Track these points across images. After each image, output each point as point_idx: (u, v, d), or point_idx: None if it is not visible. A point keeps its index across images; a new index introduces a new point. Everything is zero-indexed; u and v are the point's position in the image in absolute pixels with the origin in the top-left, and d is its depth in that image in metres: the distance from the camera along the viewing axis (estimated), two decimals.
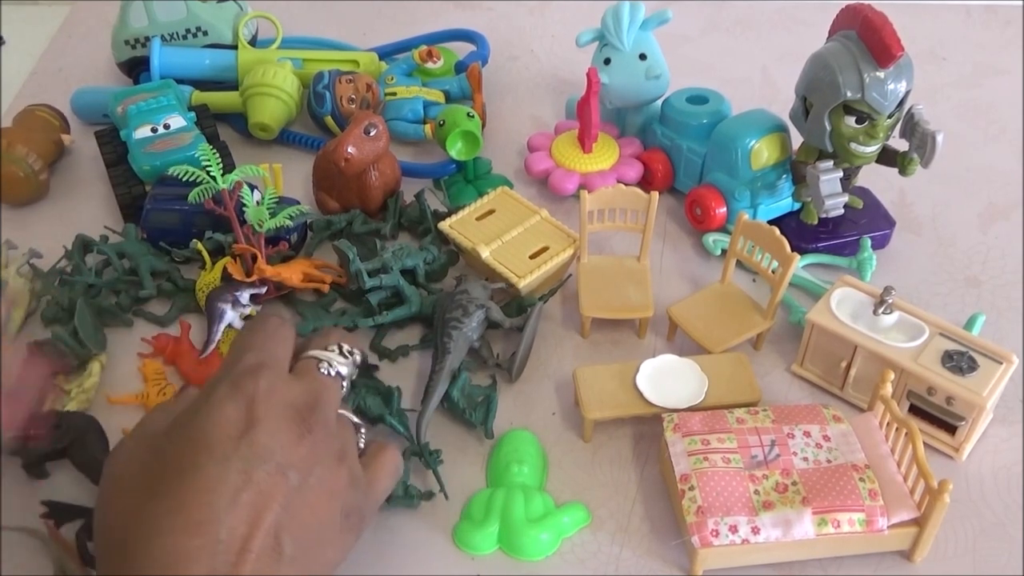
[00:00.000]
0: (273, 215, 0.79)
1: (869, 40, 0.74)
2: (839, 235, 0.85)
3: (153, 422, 0.53)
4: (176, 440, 0.49)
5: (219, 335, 0.76)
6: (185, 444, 0.48)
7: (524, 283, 0.78)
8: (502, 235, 0.81)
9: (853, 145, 0.78)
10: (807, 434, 0.65)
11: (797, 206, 0.87)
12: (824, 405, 0.68)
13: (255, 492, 0.46)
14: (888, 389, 0.65)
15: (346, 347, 0.59)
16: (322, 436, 0.52)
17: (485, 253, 0.80)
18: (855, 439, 0.65)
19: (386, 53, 1.10)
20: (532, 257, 0.80)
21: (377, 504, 0.58)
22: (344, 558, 0.54)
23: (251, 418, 0.49)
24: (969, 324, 0.75)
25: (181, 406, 0.53)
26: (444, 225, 0.83)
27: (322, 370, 0.56)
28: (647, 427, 0.71)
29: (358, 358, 0.60)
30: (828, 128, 0.78)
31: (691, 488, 0.62)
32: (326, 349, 0.58)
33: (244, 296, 0.77)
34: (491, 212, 0.84)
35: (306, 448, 0.50)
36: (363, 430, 0.60)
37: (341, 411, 0.57)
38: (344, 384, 0.58)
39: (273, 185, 0.82)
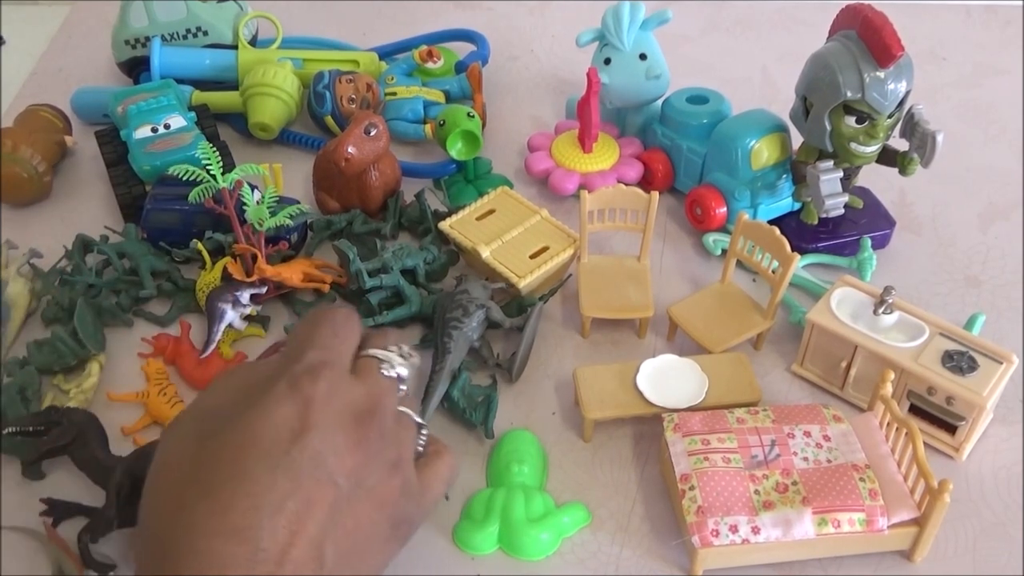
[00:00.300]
0: (273, 214, 0.79)
1: (869, 40, 0.74)
2: (839, 235, 0.85)
3: (214, 395, 0.51)
4: (228, 436, 0.47)
5: (219, 335, 0.76)
6: (236, 442, 0.46)
7: (524, 283, 0.78)
8: (502, 235, 0.81)
9: (853, 145, 0.78)
10: (807, 434, 0.65)
11: (797, 206, 0.87)
12: (824, 405, 0.68)
13: (302, 500, 0.45)
14: (888, 389, 0.65)
15: (405, 348, 0.56)
16: (377, 443, 0.50)
17: (485, 253, 0.80)
18: (855, 439, 0.65)
19: (386, 53, 1.10)
20: (532, 257, 0.80)
21: (427, 513, 0.55)
22: (386, 566, 0.52)
23: (306, 422, 0.47)
24: (969, 324, 0.75)
25: (239, 380, 0.51)
26: (444, 225, 0.83)
27: (383, 371, 0.54)
28: (647, 427, 0.71)
29: (416, 361, 0.57)
30: (828, 128, 0.78)
31: (691, 488, 0.62)
32: (387, 349, 0.55)
33: (244, 296, 0.77)
34: (491, 212, 0.84)
35: (360, 456, 0.48)
36: (424, 431, 0.57)
37: (403, 408, 0.54)
38: (402, 388, 0.55)
39: (273, 185, 0.82)
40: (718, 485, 0.61)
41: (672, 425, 0.66)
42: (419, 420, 0.56)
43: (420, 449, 0.56)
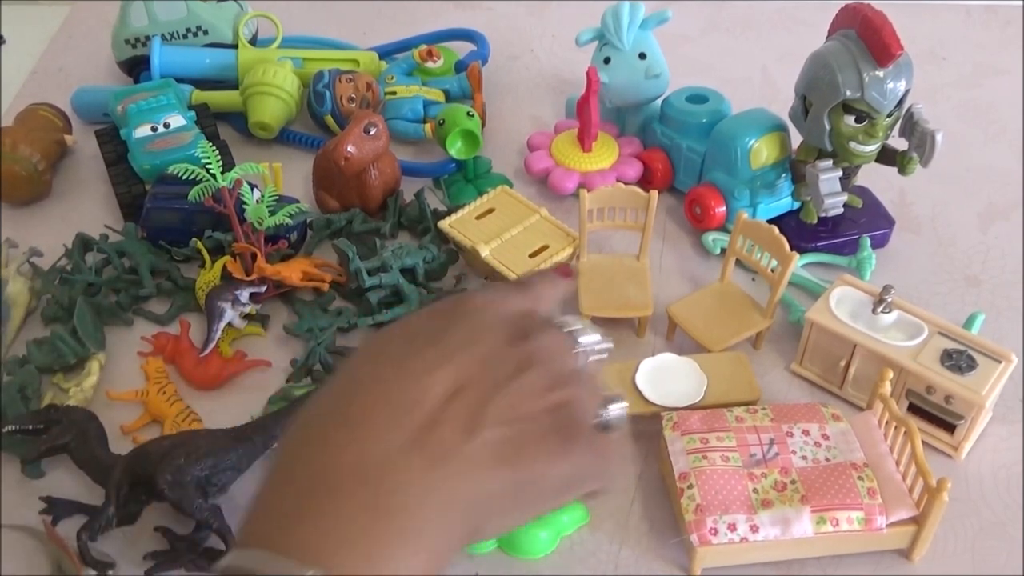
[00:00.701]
0: (273, 213, 0.79)
1: (868, 39, 0.74)
2: (838, 234, 0.85)
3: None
4: (395, 327, 0.45)
5: (219, 334, 0.76)
6: (397, 328, 0.44)
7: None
8: (501, 234, 0.81)
9: (852, 144, 0.78)
10: (806, 433, 0.65)
11: (796, 205, 0.87)
12: (823, 404, 0.68)
13: (456, 369, 0.41)
14: (887, 388, 0.65)
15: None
16: (536, 358, 0.44)
17: (485, 252, 0.80)
18: (854, 438, 0.65)
19: (386, 52, 1.10)
20: (532, 256, 0.80)
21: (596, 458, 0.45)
22: (547, 477, 0.45)
23: (463, 306, 0.44)
24: (968, 323, 0.75)
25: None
26: (444, 224, 0.83)
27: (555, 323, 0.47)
28: (646, 426, 0.71)
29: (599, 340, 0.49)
30: (828, 127, 0.78)
31: (690, 486, 0.62)
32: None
33: (244, 295, 0.77)
34: (491, 211, 0.84)
35: (518, 352, 0.43)
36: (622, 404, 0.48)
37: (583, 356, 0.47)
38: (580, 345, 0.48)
39: (273, 184, 0.82)
40: (717, 484, 0.61)
41: (671, 424, 0.66)
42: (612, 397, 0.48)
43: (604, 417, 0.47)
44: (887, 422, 0.65)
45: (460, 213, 0.84)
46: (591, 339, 0.48)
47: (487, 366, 0.42)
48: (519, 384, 0.42)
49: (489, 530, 0.42)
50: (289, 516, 0.37)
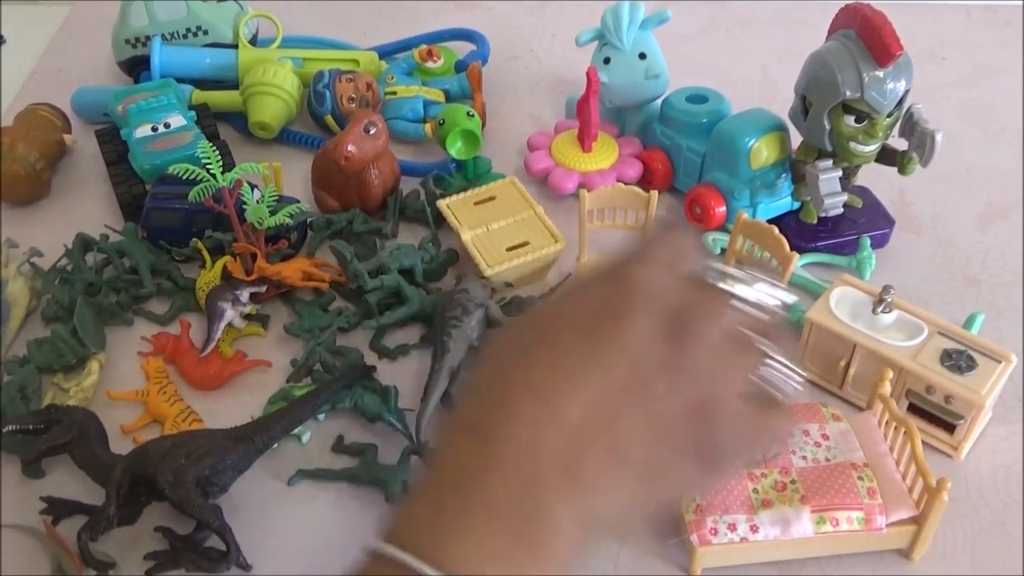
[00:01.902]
0: (273, 213, 0.79)
1: (868, 39, 0.74)
2: (838, 234, 0.85)
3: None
4: (547, 310, 0.46)
5: (219, 334, 0.76)
6: (552, 313, 0.45)
7: (491, 272, 0.78)
8: (489, 222, 0.82)
9: (852, 144, 0.78)
10: (806, 433, 0.65)
11: (796, 205, 0.87)
12: (823, 404, 0.68)
13: (602, 371, 0.41)
14: (887, 388, 0.65)
15: (761, 276, 0.48)
16: (694, 355, 0.43)
17: (466, 236, 0.81)
18: (854, 438, 0.65)
19: (386, 52, 1.10)
20: (509, 250, 0.80)
21: (741, 454, 0.46)
22: (682, 489, 0.47)
23: (622, 303, 0.43)
24: (968, 323, 0.75)
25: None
26: (442, 203, 0.84)
27: (720, 284, 0.46)
28: None
29: (776, 295, 0.48)
30: (827, 127, 0.78)
31: None
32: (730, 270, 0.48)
33: (244, 295, 0.77)
34: (491, 199, 0.85)
35: (672, 358, 0.42)
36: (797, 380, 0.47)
37: (750, 333, 0.46)
38: (746, 307, 0.46)
39: (273, 184, 0.82)
40: (716, 483, 0.61)
41: None
42: (776, 356, 0.47)
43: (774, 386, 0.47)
44: (887, 422, 0.65)
45: (462, 195, 0.86)
46: (754, 292, 0.46)
47: (638, 370, 0.42)
48: (669, 401, 0.42)
49: (613, 532, 0.44)
50: (439, 526, 0.39)
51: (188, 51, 1.03)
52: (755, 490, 0.61)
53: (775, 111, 0.86)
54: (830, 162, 0.80)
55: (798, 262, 0.80)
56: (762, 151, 0.84)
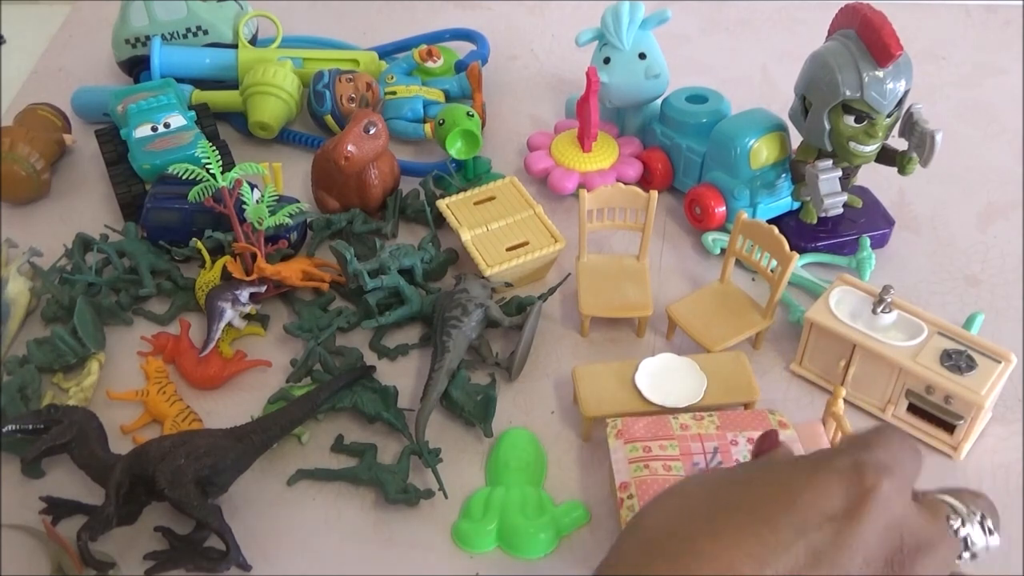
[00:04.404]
0: (272, 213, 0.79)
1: (868, 39, 0.74)
2: (838, 234, 0.85)
3: (698, 483, 0.44)
4: (761, 483, 0.41)
5: (218, 334, 0.76)
6: (770, 490, 0.41)
7: (491, 272, 0.78)
8: (489, 222, 0.83)
9: (852, 144, 0.78)
10: (751, 441, 0.64)
11: (796, 205, 0.87)
12: (771, 411, 0.67)
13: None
14: (840, 406, 0.65)
15: (989, 523, 0.48)
16: None
17: (466, 236, 0.81)
18: (800, 446, 0.64)
19: (386, 52, 1.10)
20: (509, 249, 0.80)
21: None
22: None
23: (854, 511, 0.40)
24: (968, 323, 0.75)
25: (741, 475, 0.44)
26: (442, 203, 0.84)
27: (952, 523, 0.46)
28: None
29: (995, 541, 0.48)
30: (827, 127, 0.78)
31: (630, 496, 0.61)
32: (967, 507, 0.47)
33: (244, 295, 0.77)
34: (491, 199, 0.85)
35: None
36: None
37: None
38: (964, 555, 0.47)
39: (273, 184, 0.82)
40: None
41: (615, 431, 0.65)
42: None
43: None
44: (835, 432, 0.65)
45: (462, 195, 0.86)
46: (981, 536, 0.46)
47: None
48: None
49: None
50: None
51: (188, 51, 1.03)
52: None
53: (775, 111, 0.86)
54: (830, 162, 0.80)
55: (798, 262, 0.80)
56: (762, 151, 0.84)
